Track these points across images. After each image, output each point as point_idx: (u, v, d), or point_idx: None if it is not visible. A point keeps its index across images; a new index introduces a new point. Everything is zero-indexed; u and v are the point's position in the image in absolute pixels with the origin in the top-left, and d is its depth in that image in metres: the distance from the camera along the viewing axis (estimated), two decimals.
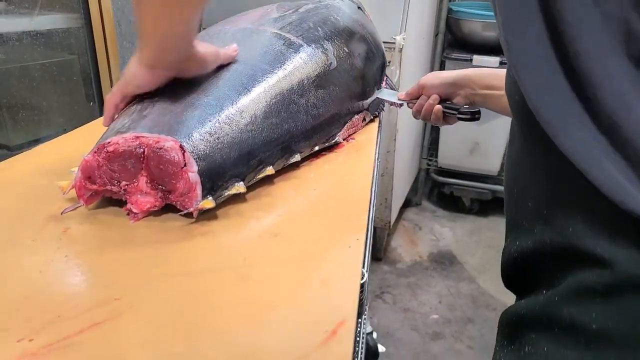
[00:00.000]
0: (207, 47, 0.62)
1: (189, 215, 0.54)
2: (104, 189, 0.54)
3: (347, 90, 0.80)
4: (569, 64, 0.37)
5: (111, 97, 0.63)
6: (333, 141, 0.76)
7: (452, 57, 2.11)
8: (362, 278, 0.46)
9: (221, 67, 0.66)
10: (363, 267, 0.47)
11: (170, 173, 0.53)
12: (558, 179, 0.41)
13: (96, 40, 1.50)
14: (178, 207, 0.54)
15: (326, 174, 0.69)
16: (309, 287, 0.44)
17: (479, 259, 2.09)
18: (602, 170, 0.36)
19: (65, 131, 1.52)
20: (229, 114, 0.59)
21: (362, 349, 0.51)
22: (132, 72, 0.60)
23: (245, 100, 0.61)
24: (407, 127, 1.95)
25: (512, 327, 0.44)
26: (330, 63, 0.77)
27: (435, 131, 2.37)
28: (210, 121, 0.57)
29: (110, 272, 0.45)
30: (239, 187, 0.57)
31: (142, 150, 0.53)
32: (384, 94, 0.93)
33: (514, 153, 0.48)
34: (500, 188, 2.28)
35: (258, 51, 0.71)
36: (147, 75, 0.59)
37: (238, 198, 0.59)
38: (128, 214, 0.55)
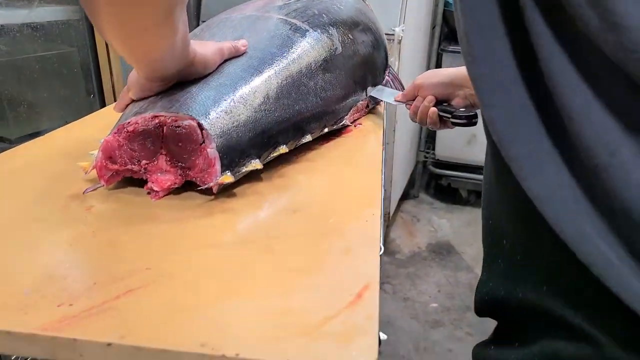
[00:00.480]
0: (207, 46, 0.61)
1: (208, 192, 0.56)
2: (125, 169, 0.55)
3: (352, 75, 0.82)
4: (540, 89, 0.30)
5: (122, 100, 0.64)
6: (341, 124, 0.78)
7: (449, 50, 2.13)
8: (380, 250, 0.48)
9: None
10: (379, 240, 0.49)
11: (189, 150, 0.54)
12: (533, 227, 0.34)
13: (96, 32, 1.50)
14: (198, 183, 0.55)
15: (337, 157, 0.70)
16: (332, 256, 0.45)
17: (476, 249, 2.12)
18: (584, 239, 0.28)
19: (66, 123, 1.53)
20: (242, 94, 0.60)
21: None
22: (134, 82, 0.60)
23: (257, 82, 0.63)
24: (405, 119, 1.97)
25: None
26: (336, 48, 0.79)
27: None
28: (225, 100, 0.58)
29: (138, 245, 0.46)
30: (256, 164, 0.58)
31: (160, 129, 0.54)
32: (384, 93, 0.90)
33: (488, 176, 0.42)
34: None
35: (265, 36, 0.73)
36: (148, 86, 0.59)
37: (254, 178, 0.60)
38: (149, 193, 0.56)
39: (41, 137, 0.73)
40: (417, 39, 1.95)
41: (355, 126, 0.82)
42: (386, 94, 0.89)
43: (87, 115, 1.55)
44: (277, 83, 0.65)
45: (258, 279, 0.42)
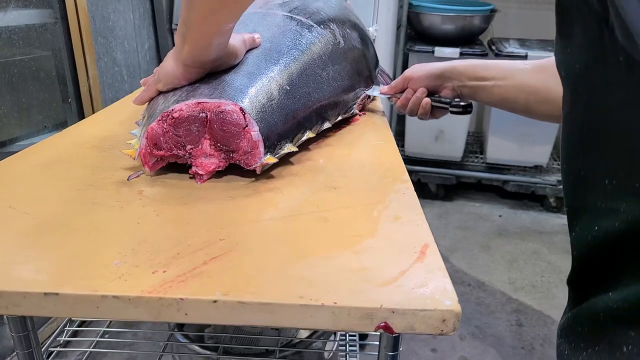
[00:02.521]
0: (235, 37, 0.63)
1: (248, 175, 0.58)
2: (170, 154, 0.57)
3: (355, 67, 0.86)
4: None
5: (148, 92, 0.65)
6: (351, 112, 0.82)
7: (415, 49, 2.22)
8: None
9: None
10: None
11: (233, 134, 0.57)
12: None
13: (72, 36, 1.48)
14: (242, 165, 0.58)
15: (353, 141, 0.74)
16: (384, 223, 0.49)
17: (449, 239, 2.20)
18: None
19: (45, 128, 1.50)
20: (272, 82, 0.63)
21: None
22: (170, 72, 0.61)
23: (280, 71, 0.66)
24: None
25: (597, 326, 0.38)
26: (339, 42, 0.83)
27: (401, 121, 2.47)
28: (259, 88, 0.61)
29: (202, 221, 0.48)
30: (291, 147, 0.62)
31: (204, 114, 0.57)
32: (371, 88, 0.90)
33: (576, 131, 0.41)
34: (464, 173, 2.41)
35: (277, 31, 0.76)
36: (183, 73, 0.61)
37: (286, 163, 0.63)
38: (193, 177, 0.58)
39: (57, 135, 0.74)
40: (386, 38, 2.02)
41: (360, 115, 0.87)
42: (372, 88, 0.90)
43: (65, 120, 1.53)
44: (297, 73, 0.68)
45: (324, 243, 0.45)
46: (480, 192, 2.54)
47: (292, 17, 0.82)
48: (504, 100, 0.76)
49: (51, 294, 0.36)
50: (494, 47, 2.23)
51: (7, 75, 1.35)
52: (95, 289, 0.37)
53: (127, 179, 0.57)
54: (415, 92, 0.81)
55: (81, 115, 1.56)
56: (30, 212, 0.48)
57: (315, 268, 0.41)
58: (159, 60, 1.96)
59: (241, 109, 0.57)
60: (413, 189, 0.58)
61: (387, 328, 0.36)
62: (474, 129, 2.67)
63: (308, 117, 0.68)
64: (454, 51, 2.17)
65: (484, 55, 2.18)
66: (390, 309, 0.36)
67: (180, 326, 0.86)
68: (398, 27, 2.30)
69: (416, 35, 2.38)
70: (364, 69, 0.92)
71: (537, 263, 2.04)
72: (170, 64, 0.61)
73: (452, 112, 0.79)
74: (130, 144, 0.61)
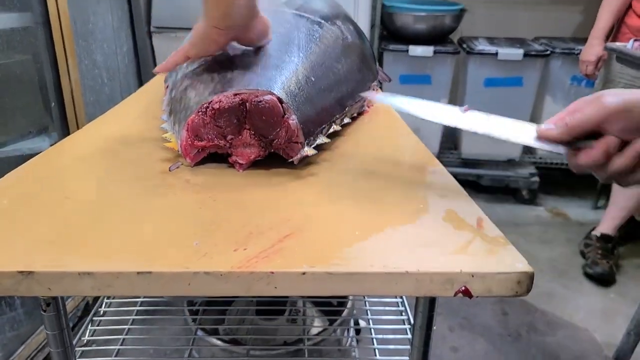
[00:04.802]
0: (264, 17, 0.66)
1: (284, 163, 0.60)
2: (212, 144, 0.58)
3: (362, 61, 0.89)
4: None
5: (175, 57, 0.65)
6: (363, 106, 0.84)
7: (390, 48, 2.26)
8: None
9: (269, 39, 0.71)
10: None
11: (272, 123, 0.58)
12: None
13: (55, 39, 1.45)
14: (281, 154, 0.59)
15: (372, 130, 0.77)
16: (433, 201, 0.52)
17: None
18: None
19: (30, 134, 1.46)
20: (299, 74, 0.65)
21: None
22: (200, 34, 0.61)
23: (305, 64, 0.68)
24: None
25: None
26: (346, 36, 0.85)
27: None
28: (291, 79, 0.63)
29: (260, 204, 0.50)
30: (323, 138, 0.63)
31: (244, 105, 0.58)
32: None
33: None
34: None
35: (289, 27, 0.78)
36: (215, 36, 0.61)
37: (318, 152, 0.65)
38: (231, 165, 0.59)
39: (75, 134, 0.73)
40: None
41: (368, 107, 0.89)
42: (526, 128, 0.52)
43: (50, 124, 1.49)
44: (318, 66, 0.70)
45: (386, 220, 0.47)
46: None
47: (300, 14, 0.84)
48: None
49: (144, 272, 0.37)
50: (464, 45, 2.30)
51: None
52: (186, 266, 0.38)
53: (169, 169, 0.58)
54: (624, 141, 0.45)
55: (64, 120, 1.52)
56: (88, 201, 0.48)
57: (389, 241, 0.43)
58: (138, 62, 1.93)
59: (279, 99, 0.58)
60: (445, 170, 0.60)
61: (466, 292, 0.39)
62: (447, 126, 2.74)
63: (333, 108, 0.70)
64: (427, 49, 2.22)
65: (456, 54, 2.25)
66: (469, 273, 0.38)
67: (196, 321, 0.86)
68: (371, 27, 2.35)
69: (389, 34, 2.43)
70: (368, 63, 0.94)
71: None
72: (201, 27, 0.61)
73: None
74: (165, 137, 0.61)
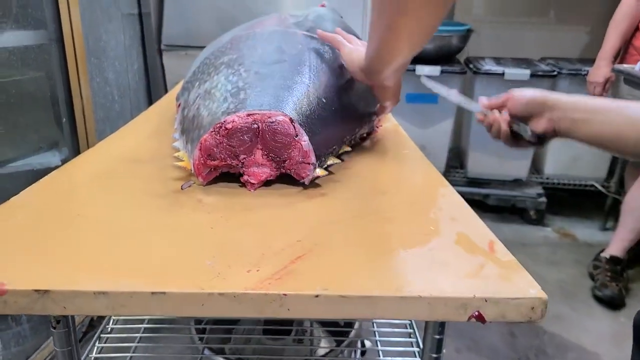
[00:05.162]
0: None
1: (295, 183, 0.60)
2: (224, 164, 0.59)
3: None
4: None
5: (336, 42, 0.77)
6: (373, 124, 0.85)
7: None
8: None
9: (281, 60, 0.72)
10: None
11: (285, 144, 0.58)
12: None
13: (68, 56, 1.47)
14: (293, 175, 0.59)
15: (381, 151, 0.77)
16: (444, 223, 0.52)
17: None
18: None
19: (41, 149, 1.48)
20: (310, 95, 0.65)
21: None
22: (350, 62, 0.73)
23: (315, 85, 0.68)
24: None
25: None
26: None
27: None
28: (302, 100, 0.63)
29: (272, 224, 0.50)
30: (334, 159, 0.64)
31: (257, 125, 0.58)
32: (451, 93, 0.87)
33: None
34: None
35: (301, 48, 0.79)
36: (357, 75, 0.72)
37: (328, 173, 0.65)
38: (243, 185, 0.59)
39: (88, 151, 0.74)
40: None
41: (378, 127, 0.90)
42: (454, 94, 0.86)
43: (61, 140, 1.51)
44: (328, 86, 0.71)
45: (398, 242, 0.47)
46: None
47: (311, 36, 0.85)
48: (615, 137, 0.65)
49: (158, 292, 0.37)
50: (471, 65, 2.32)
51: (6, 96, 1.33)
52: (200, 286, 0.38)
53: (182, 188, 0.58)
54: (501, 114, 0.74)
55: (75, 136, 1.53)
56: (102, 219, 0.49)
57: (400, 263, 0.43)
58: (148, 80, 1.95)
59: (291, 120, 0.59)
60: (456, 192, 0.60)
61: (479, 317, 0.39)
62: (454, 144, 2.75)
63: (343, 128, 0.70)
64: (434, 69, 2.24)
65: (463, 73, 2.26)
66: (483, 298, 0.38)
67: (204, 339, 0.86)
68: None
69: None
70: None
71: None
72: (356, 58, 0.70)
73: (526, 140, 0.72)
74: (177, 156, 0.62)
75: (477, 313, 0.38)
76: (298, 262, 0.42)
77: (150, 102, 1.97)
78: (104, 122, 1.68)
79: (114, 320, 0.86)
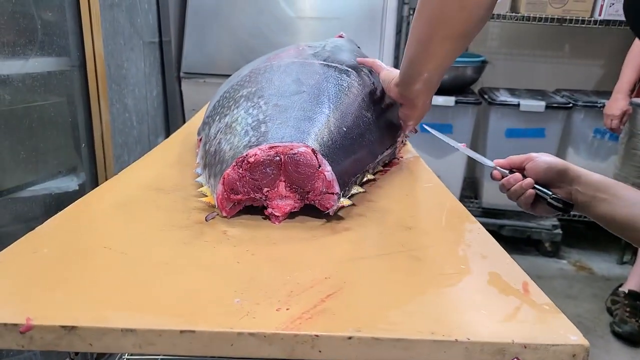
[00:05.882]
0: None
1: (319, 215, 0.59)
2: (248, 197, 0.58)
3: (390, 107, 0.88)
4: None
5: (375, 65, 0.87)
6: (393, 154, 0.84)
7: None
8: None
9: (299, 91, 0.72)
10: None
11: (308, 175, 0.58)
12: None
13: (90, 82, 1.50)
14: (317, 206, 0.59)
15: (403, 183, 0.76)
16: (475, 261, 0.51)
17: None
18: None
19: (60, 173, 1.48)
20: (331, 124, 0.65)
21: None
22: (385, 79, 0.80)
23: (335, 115, 0.68)
24: None
25: None
26: (373, 82, 0.86)
27: None
28: (323, 130, 0.63)
29: (298, 259, 0.49)
30: (358, 188, 0.63)
31: (279, 158, 0.58)
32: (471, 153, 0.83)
33: None
34: None
35: (319, 78, 0.79)
36: (390, 91, 0.79)
37: (352, 204, 0.64)
38: (268, 218, 0.59)
39: (112, 180, 0.73)
40: None
41: (399, 159, 0.89)
42: (462, 148, 0.83)
43: (80, 164, 1.52)
44: (348, 115, 0.70)
45: (427, 281, 0.46)
46: None
47: (328, 65, 0.85)
48: (628, 221, 0.64)
49: (187, 331, 0.36)
50: (486, 96, 2.32)
51: (27, 121, 1.35)
52: (230, 326, 0.37)
53: (206, 220, 0.57)
54: (525, 178, 0.70)
55: (93, 161, 1.55)
56: (127, 252, 0.48)
57: (433, 305, 0.42)
58: (166, 107, 1.97)
59: (313, 150, 0.58)
60: (484, 228, 0.59)
61: None
62: (468, 174, 2.73)
63: (365, 157, 0.70)
64: (448, 99, 2.24)
65: (477, 104, 2.26)
66: (522, 344, 0.37)
67: None
68: None
69: None
70: (396, 108, 0.94)
71: None
72: (392, 76, 0.78)
73: (549, 205, 0.69)
74: (201, 191, 0.62)
75: (515, 359, 0.37)
76: (328, 300, 0.41)
77: (167, 128, 1.99)
78: (122, 148, 1.69)
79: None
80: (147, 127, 1.85)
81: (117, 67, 1.65)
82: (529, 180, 0.69)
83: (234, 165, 0.58)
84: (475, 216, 2.31)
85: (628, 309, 1.81)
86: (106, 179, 0.80)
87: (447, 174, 2.37)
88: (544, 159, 0.70)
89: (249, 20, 2.00)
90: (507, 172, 0.72)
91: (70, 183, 1.47)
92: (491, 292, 0.44)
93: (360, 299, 0.42)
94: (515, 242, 2.46)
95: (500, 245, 0.54)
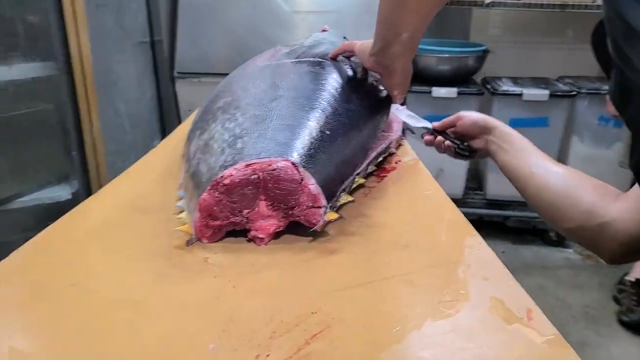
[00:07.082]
0: None
1: (306, 233, 0.55)
2: (228, 222, 0.54)
3: (373, 90, 0.83)
4: None
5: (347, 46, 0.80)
6: (388, 151, 0.80)
7: (413, 89, 2.23)
8: None
9: (276, 97, 0.67)
10: None
11: (290, 190, 0.54)
12: None
13: (77, 88, 1.46)
14: (303, 222, 0.55)
15: (400, 192, 0.72)
16: (475, 285, 0.47)
17: None
18: None
19: (50, 183, 1.45)
20: (312, 130, 0.60)
21: None
22: (360, 51, 0.75)
23: (316, 117, 0.63)
24: None
25: None
26: (351, 66, 0.81)
27: None
28: (303, 139, 0.58)
29: (283, 291, 0.45)
30: (347, 197, 0.59)
31: (256, 175, 0.54)
32: (412, 119, 0.88)
33: None
34: (465, 210, 2.41)
35: (293, 77, 0.75)
36: (367, 62, 0.72)
37: (340, 218, 0.60)
38: (252, 240, 0.55)
39: (93, 197, 0.70)
40: None
41: (396, 163, 0.85)
42: (414, 120, 0.90)
43: (70, 173, 1.48)
44: (330, 114, 0.65)
45: (423, 312, 0.42)
46: (482, 228, 2.53)
47: (300, 61, 0.81)
48: (513, 170, 0.73)
49: None
50: (488, 86, 2.27)
51: (13, 130, 1.31)
52: None
53: (187, 244, 0.54)
54: (455, 135, 0.84)
55: (84, 169, 1.51)
56: (97, 290, 0.44)
57: (430, 341, 0.38)
58: (161, 109, 1.93)
59: (293, 164, 0.54)
60: (485, 243, 0.55)
61: None
62: (472, 166, 2.69)
63: (353, 158, 0.66)
64: (450, 91, 2.19)
65: (480, 94, 2.21)
66: None
67: None
68: None
69: (412, 76, 2.41)
70: (380, 90, 0.89)
71: (545, 299, 2.01)
72: (365, 46, 0.71)
73: (456, 152, 0.84)
74: (180, 218, 0.58)
75: None
76: (313, 342, 0.38)
77: (163, 131, 1.94)
78: (114, 155, 1.65)
79: None
80: (142, 130, 1.81)
81: (106, 69, 1.60)
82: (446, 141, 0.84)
83: (209, 189, 0.53)
84: (479, 208, 2.28)
85: (635, 298, 1.79)
86: (100, 187, 0.76)
87: (450, 166, 2.32)
88: (470, 117, 0.82)
89: (243, 16, 1.95)
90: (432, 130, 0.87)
91: (62, 192, 1.43)
92: (493, 323, 0.40)
93: (349, 338, 0.38)
94: (521, 233, 2.42)
95: (506, 236, 0.51)
